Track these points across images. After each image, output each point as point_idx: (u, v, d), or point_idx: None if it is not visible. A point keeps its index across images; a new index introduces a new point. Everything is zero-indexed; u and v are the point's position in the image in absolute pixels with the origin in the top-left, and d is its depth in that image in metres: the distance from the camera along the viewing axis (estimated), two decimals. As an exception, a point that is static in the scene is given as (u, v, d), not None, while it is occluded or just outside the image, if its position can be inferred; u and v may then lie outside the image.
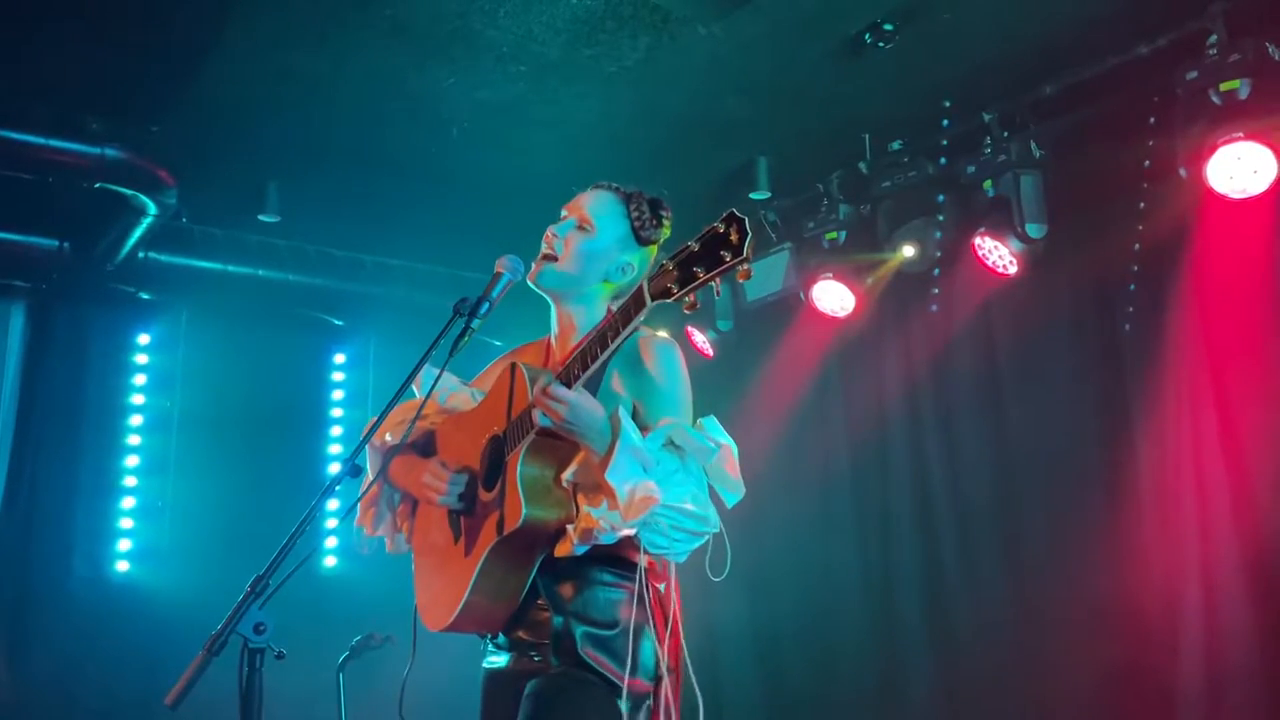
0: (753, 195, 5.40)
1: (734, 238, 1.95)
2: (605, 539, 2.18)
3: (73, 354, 5.86)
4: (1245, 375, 4.25)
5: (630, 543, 2.23)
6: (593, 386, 2.32)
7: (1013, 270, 4.79)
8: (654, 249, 2.58)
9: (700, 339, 5.98)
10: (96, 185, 4.96)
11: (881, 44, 4.28)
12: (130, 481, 6.02)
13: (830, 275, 5.29)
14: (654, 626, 2.34)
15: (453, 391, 2.71)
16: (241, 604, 1.96)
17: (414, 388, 2.53)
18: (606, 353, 2.16)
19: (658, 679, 2.33)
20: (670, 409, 2.35)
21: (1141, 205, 4.43)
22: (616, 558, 2.32)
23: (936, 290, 5.20)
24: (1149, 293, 4.52)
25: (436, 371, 2.51)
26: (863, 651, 5.47)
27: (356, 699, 4.17)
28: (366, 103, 4.78)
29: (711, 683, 2.30)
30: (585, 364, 2.18)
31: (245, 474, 6.04)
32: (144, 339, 6.21)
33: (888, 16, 4.19)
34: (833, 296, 5.36)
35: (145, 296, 5.98)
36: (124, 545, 5.92)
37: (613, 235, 2.53)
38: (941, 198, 4.99)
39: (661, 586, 2.38)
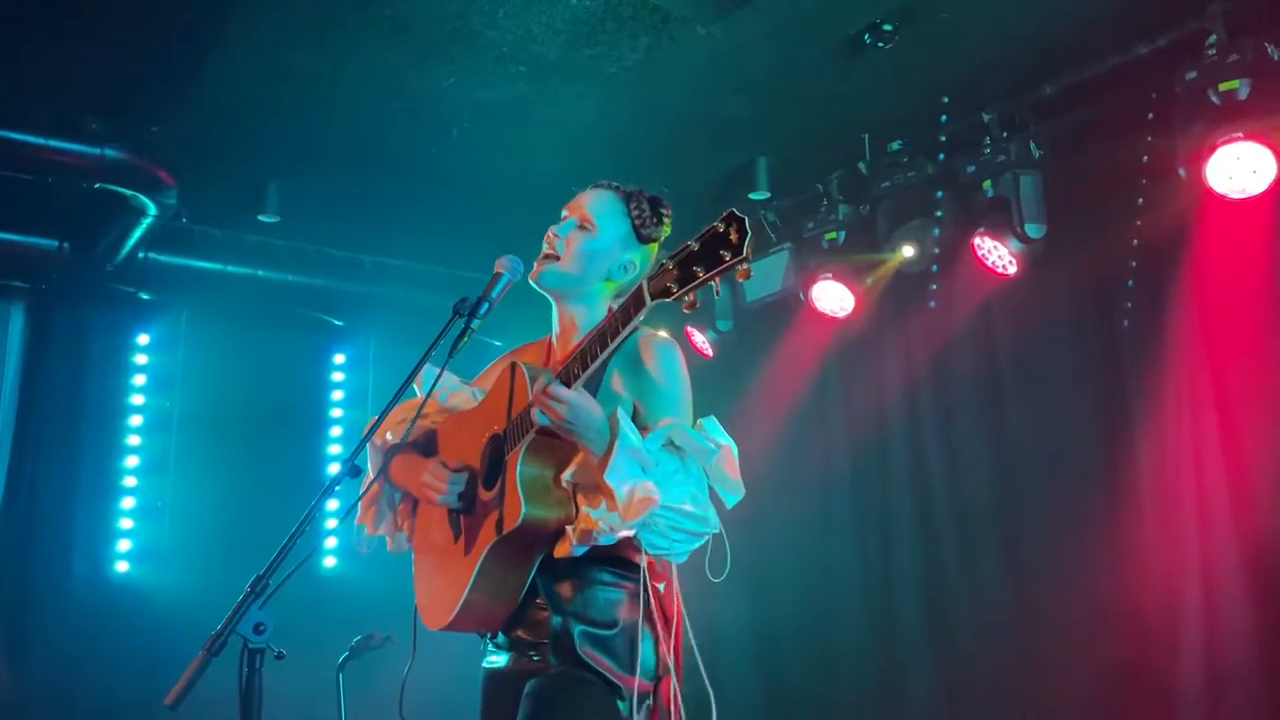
0: (752, 195, 5.40)
1: (734, 237, 1.95)
2: (604, 540, 2.18)
3: (72, 354, 5.86)
4: (1245, 375, 4.25)
5: (630, 543, 2.23)
6: (593, 386, 2.32)
7: (1012, 270, 4.79)
8: (655, 247, 2.58)
9: (700, 339, 5.99)
10: (96, 185, 4.96)
11: (881, 44, 4.28)
12: (130, 481, 6.02)
13: (830, 275, 5.30)
14: (653, 626, 2.34)
15: (453, 391, 2.71)
16: (241, 604, 1.96)
17: (415, 386, 2.53)
18: (606, 352, 2.16)
19: (657, 679, 2.33)
20: (670, 409, 2.35)
21: (1141, 205, 4.43)
22: (616, 557, 2.32)
23: (936, 289, 5.20)
24: (1148, 292, 4.52)
25: (437, 371, 2.51)
26: (863, 651, 5.47)
27: (356, 699, 4.17)
28: (366, 103, 4.78)
29: (711, 683, 2.29)
30: (585, 363, 2.18)
31: (245, 474, 6.04)
32: (144, 339, 6.21)
33: (887, 16, 4.19)
34: (832, 296, 5.36)
35: (145, 296, 5.98)
36: (124, 545, 5.92)
37: (614, 234, 2.53)
38: (941, 197, 4.99)
39: (661, 586, 2.38)
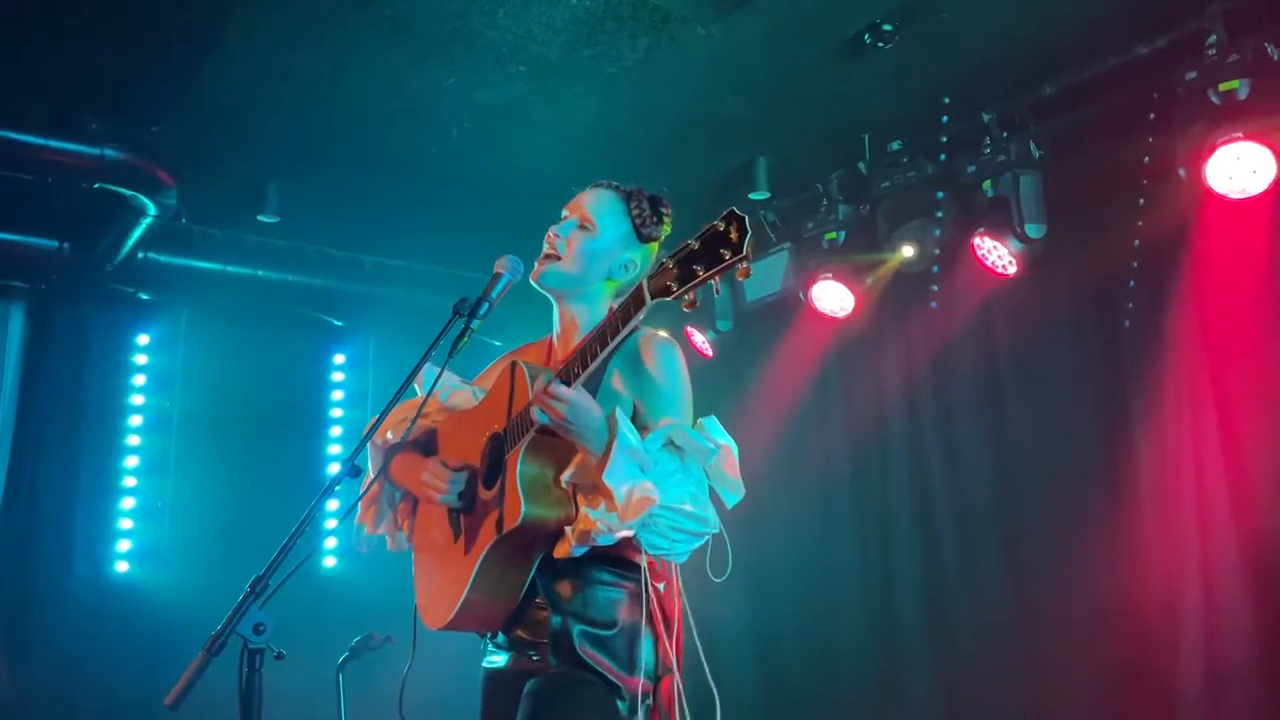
0: (752, 195, 5.40)
1: (734, 236, 1.95)
2: (602, 540, 2.18)
3: (72, 354, 5.86)
4: (1245, 375, 4.25)
5: (630, 543, 2.22)
6: (593, 385, 2.32)
7: (1012, 270, 4.79)
8: (655, 246, 2.58)
9: (700, 339, 5.99)
10: (96, 186, 4.96)
11: (881, 44, 4.28)
12: (130, 482, 6.02)
13: (830, 275, 5.30)
14: (653, 626, 2.33)
15: (454, 390, 2.71)
16: (241, 604, 1.96)
17: (415, 385, 2.53)
18: (606, 351, 2.16)
19: (657, 678, 2.33)
20: (670, 409, 2.35)
21: (1141, 205, 4.43)
22: (616, 557, 2.32)
23: (936, 289, 5.20)
24: (1148, 292, 4.52)
25: (438, 370, 2.51)
26: (863, 651, 5.47)
27: (356, 699, 4.17)
28: (366, 103, 4.78)
29: (712, 682, 2.30)
30: (585, 362, 2.18)
31: (245, 474, 6.04)
32: (144, 339, 6.21)
33: (887, 17, 4.19)
34: (832, 296, 5.36)
35: (145, 297, 5.98)
36: (124, 545, 5.92)
37: (614, 234, 2.54)
38: (941, 197, 4.99)
39: (661, 586, 2.37)
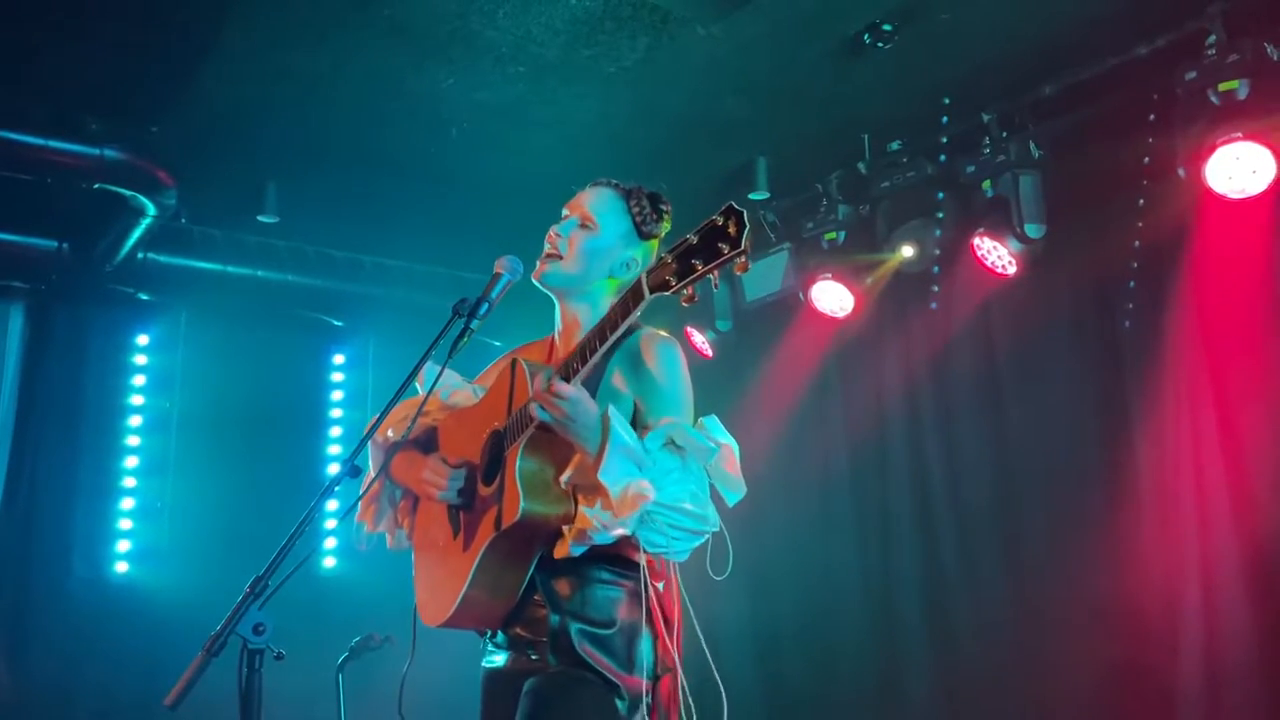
0: (752, 195, 5.40)
1: (732, 230, 1.95)
2: (599, 538, 2.17)
3: (72, 354, 5.86)
4: (1245, 375, 4.25)
5: (629, 541, 2.22)
6: (593, 383, 2.32)
7: (1012, 270, 4.79)
8: (656, 243, 2.58)
9: (699, 339, 5.99)
10: (95, 186, 4.96)
11: (881, 44, 4.28)
12: (129, 482, 6.02)
13: (829, 275, 5.30)
14: (652, 625, 2.33)
15: (455, 388, 2.71)
16: (241, 605, 1.95)
17: (417, 384, 2.53)
18: (605, 345, 2.16)
19: (656, 677, 2.32)
20: (671, 408, 2.35)
21: (1140, 205, 4.43)
22: (615, 556, 2.32)
23: (936, 290, 5.20)
24: (1148, 292, 4.52)
25: (439, 368, 2.51)
26: (863, 651, 5.47)
27: (356, 700, 4.16)
28: (366, 103, 4.78)
29: (711, 682, 2.30)
30: (585, 358, 2.18)
31: (245, 474, 6.04)
32: (143, 339, 6.21)
33: (887, 17, 4.19)
34: (832, 297, 5.36)
35: (144, 297, 5.98)
36: (123, 546, 5.92)
37: (615, 232, 2.54)
38: (941, 197, 4.99)
39: (661, 585, 2.37)
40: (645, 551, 2.23)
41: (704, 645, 2.34)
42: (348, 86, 4.64)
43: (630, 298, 2.12)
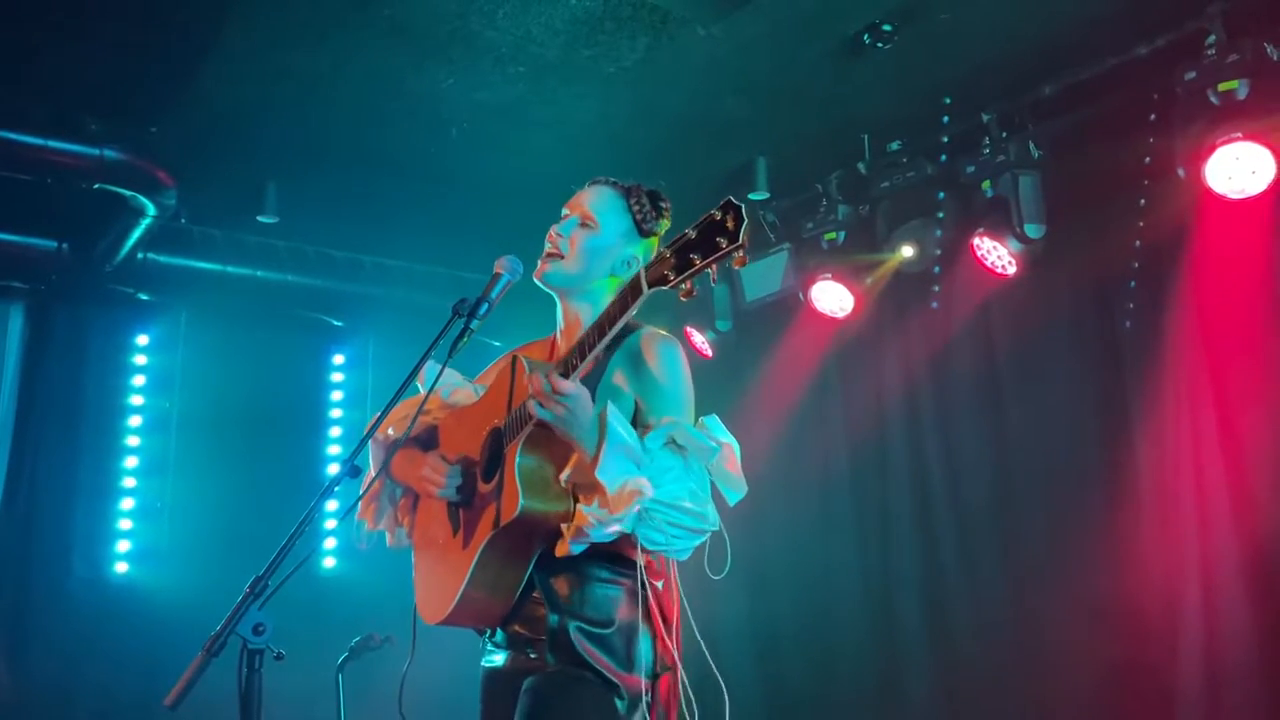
0: (752, 195, 5.40)
1: (730, 224, 1.96)
2: (596, 535, 2.17)
3: (72, 355, 5.86)
4: (1245, 375, 4.25)
5: (629, 540, 2.22)
6: (594, 382, 2.32)
7: (1012, 270, 4.79)
8: (656, 241, 2.59)
9: (699, 339, 5.99)
10: (95, 186, 4.95)
11: (880, 44, 4.28)
12: (129, 482, 6.02)
13: (829, 275, 5.30)
14: (651, 624, 2.33)
15: (456, 387, 2.71)
16: (241, 605, 1.95)
17: (417, 383, 2.53)
18: (603, 341, 2.16)
19: (655, 676, 2.32)
20: (672, 407, 2.35)
21: (1141, 205, 4.43)
22: (614, 555, 2.31)
23: (936, 290, 5.20)
24: (1148, 292, 4.52)
25: (439, 367, 2.51)
26: (863, 651, 5.47)
27: (356, 700, 4.16)
28: (366, 103, 4.78)
29: (710, 681, 2.30)
30: (583, 354, 2.19)
31: (244, 474, 6.04)
32: (143, 340, 6.21)
33: (887, 17, 4.19)
34: (832, 297, 5.36)
35: (144, 297, 5.98)
36: (123, 546, 5.91)
37: (616, 230, 2.54)
38: (941, 197, 4.99)
39: (660, 584, 2.37)
40: (645, 550, 2.24)
41: (703, 645, 2.34)
42: (348, 86, 4.64)
43: (629, 293, 2.12)
